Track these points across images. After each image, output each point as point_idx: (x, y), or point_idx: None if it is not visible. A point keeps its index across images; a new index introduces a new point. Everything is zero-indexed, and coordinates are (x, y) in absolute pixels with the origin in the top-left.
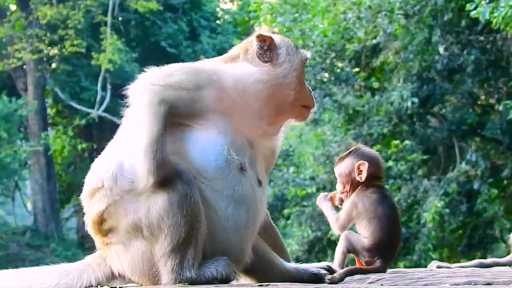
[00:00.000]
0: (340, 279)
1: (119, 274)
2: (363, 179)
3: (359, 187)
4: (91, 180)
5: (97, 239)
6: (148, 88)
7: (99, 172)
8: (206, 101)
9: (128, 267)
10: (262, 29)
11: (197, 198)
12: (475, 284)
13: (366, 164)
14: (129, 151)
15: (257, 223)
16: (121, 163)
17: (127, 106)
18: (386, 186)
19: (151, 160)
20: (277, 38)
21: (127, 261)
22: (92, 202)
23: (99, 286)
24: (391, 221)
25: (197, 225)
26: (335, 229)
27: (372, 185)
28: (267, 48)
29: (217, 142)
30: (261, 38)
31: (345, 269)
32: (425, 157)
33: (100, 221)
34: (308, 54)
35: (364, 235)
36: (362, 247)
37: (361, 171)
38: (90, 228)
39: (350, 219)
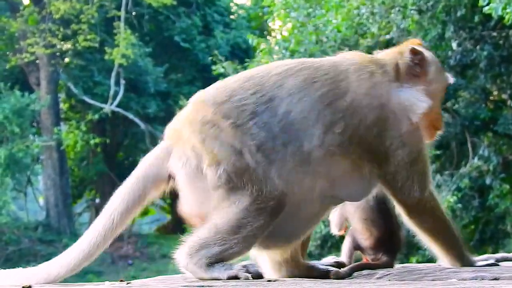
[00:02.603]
0: (347, 275)
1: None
2: None
3: None
4: None
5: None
6: None
7: None
8: None
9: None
10: (414, 42)
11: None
12: (482, 279)
13: None
14: None
15: None
16: None
17: None
18: None
19: None
20: (428, 55)
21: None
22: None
23: (106, 282)
24: (383, 217)
25: (253, 240)
26: (332, 230)
27: None
28: (418, 63)
29: None
30: (414, 52)
31: (352, 265)
32: (438, 152)
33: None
34: (451, 79)
35: (363, 236)
36: (365, 246)
37: None
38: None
39: (342, 217)
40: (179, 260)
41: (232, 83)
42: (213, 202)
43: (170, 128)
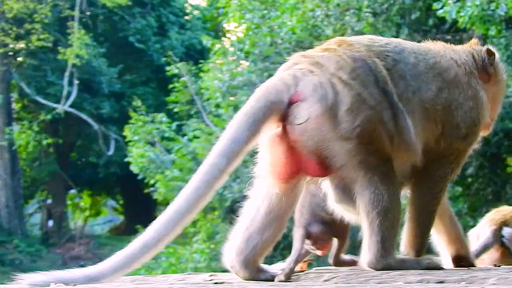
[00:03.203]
0: (288, 277)
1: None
2: None
3: None
4: None
5: None
6: None
7: None
8: None
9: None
10: (474, 43)
11: None
12: (428, 283)
13: None
14: None
15: None
16: None
17: None
18: None
19: None
20: (498, 56)
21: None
22: None
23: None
24: (303, 207)
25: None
26: None
27: None
28: (491, 63)
29: None
30: (490, 53)
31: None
32: None
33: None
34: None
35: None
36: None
37: None
38: None
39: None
40: (374, 264)
41: (363, 36)
42: (340, 153)
43: (300, 57)
